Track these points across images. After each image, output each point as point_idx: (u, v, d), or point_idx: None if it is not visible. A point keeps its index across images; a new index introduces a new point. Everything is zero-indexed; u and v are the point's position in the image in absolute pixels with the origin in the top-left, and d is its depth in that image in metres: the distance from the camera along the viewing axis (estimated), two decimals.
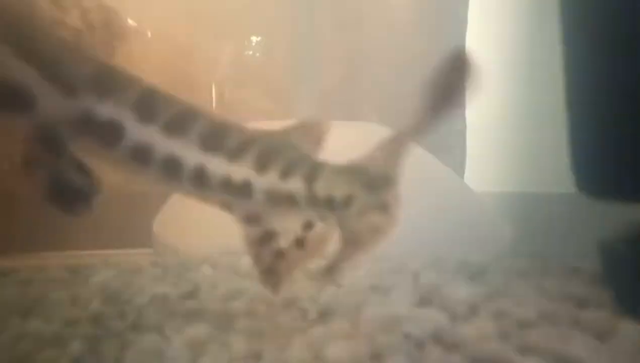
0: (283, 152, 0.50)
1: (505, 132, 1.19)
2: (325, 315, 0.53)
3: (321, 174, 0.50)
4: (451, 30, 1.08)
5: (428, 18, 1.07)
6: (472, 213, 0.72)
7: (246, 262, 0.66)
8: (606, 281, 0.59)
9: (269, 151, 0.50)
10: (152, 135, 0.46)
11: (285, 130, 0.51)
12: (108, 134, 0.46)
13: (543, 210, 1.01)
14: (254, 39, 1.03)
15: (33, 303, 0.57)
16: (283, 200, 0.49)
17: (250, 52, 1.03)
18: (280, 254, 0.50)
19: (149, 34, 1.02)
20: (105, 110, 0.45)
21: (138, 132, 0.46)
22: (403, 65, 1.06)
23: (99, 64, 0.46)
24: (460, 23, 1.09)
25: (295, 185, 0.49)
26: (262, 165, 0.49)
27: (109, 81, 0.46)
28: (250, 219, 0.51)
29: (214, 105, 1.04)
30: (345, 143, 0.75)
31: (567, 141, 0.63)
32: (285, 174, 0.49)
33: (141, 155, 0.47)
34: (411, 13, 1.07)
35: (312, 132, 0.52)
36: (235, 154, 0.48)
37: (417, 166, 0.75)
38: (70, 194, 0.45)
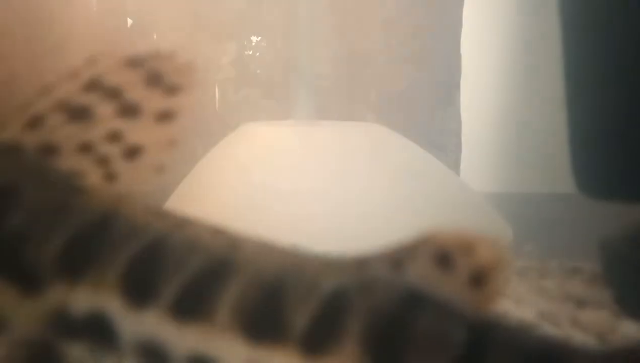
0: (422, 329, 0.26)
1: (506, 132, 1.20)
2: None
3: None
4: (448, 29, 1.09)
5: (425, 18, 1.08)
6: (472, 214, 0.73)
7: None
8: (606, 281, 0.59)
9: (389, 333, 0.27)
10: (155, 325, 0.27)
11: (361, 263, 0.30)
12: (93, 335, 0.28)
13: (543, 211, 1.01)
14: (254, 38, 1.03)
15: None
16: None
17: (250, 52, 1.04)
18: None
19: (155, 36, 1.02)
20: (83, 300, 0.28)
21: (131, 323, 0.28)
22: (402, 65, 1.07)
23: (76, 225, 0.30)
24: (456, 22, 1.09)
25: None
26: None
27: (86, 251, 0.29)
28: None
29: (217, 105, 1.04)
30: (346, 144, 0.75)
31: (567, 141, 0.63)
32: None
33: (152, 358, 0.28)
34: (409, 13, 1.07)
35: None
36: (316, 344, 0.26)
37: (416, 166, 0.75)
38: None
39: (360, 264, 0.28)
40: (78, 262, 0.29)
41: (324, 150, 0.73)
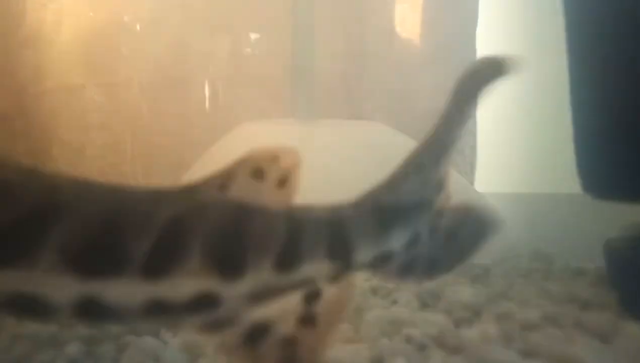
0: (250, 231, 0.34)
1: (513, 134, 1.20)
2: None
3: (354, 237, 0.36)
4: (459, 29, 1.08)
5: (434, 15, 1.07)
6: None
7: None
8: (610, 283, 0.59)
9: (226, 240, 0.33)
10: None
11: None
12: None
13: (548, 211, 1.01)
14: (253, 35, 1.03)
15: None
16: (286, 291, 0.36)
17: (249, 49, 1.03)
18: (289, 343, 0.36)
19: (138, 27, 1.01)
20: None
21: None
22: (406, 62, 1.06)
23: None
24: (470, 22, 1.08)
25: (313, 269, 0.36)
26: (228, 269, 0.33)
27: None
28: (216, 325, 0.35)
29: (207, 104, 1.03)
30: (348, 142, 0.75)
31: (573, 142, 0.63)
32: (288, 263, 0.35)
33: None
34: (415, 9, 1.07)
35: None
36: (159, 268, 0.31)
37: None
38: None
39: (190, 192, 0.33)
40: None
41: (324, 148, 0.73)
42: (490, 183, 1.06)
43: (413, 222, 0.39)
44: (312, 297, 0.36)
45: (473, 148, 1.08)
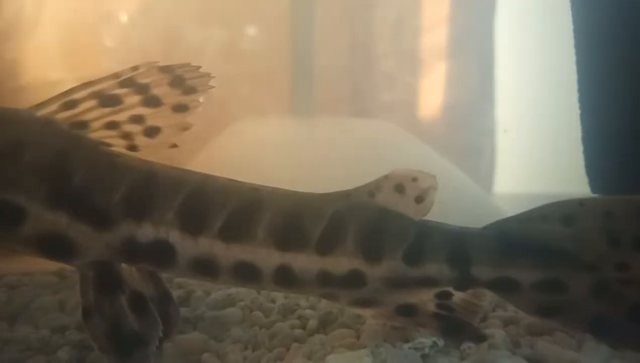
0: (388, 230, 0.47)
1: (523, 135, 1.19)
2: (326, 324, 0.53)
3: (472, 252, 0.47)
4: (475, 25, 1.06)
5: (449, 5, 1.05)
6: (484, 216, 0.73)
7: None
8: None
9: (370, 233, 0.46)
10: (208, 246, 0.44)
11: (369, 190, 0.48)
12: (158, 256, 0.44)
13: None
14: (249, 28, 1.02)
15: (20, 308, 0.57)
16: (414, 285, 0.47)
17: (245, 43, 1.02)
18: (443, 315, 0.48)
19: (125, 17, 1.00)
20: (147, 232, 0.44)
21: (189, 246, 0.44)
22: (415, 57, 1.05)
23: (134, 179, 0.44)
24: (486, 20, 1.07)
25: (434, 269, 0.47)
26: (371, 254, 0.46)
27: (145, 198, 0.44)
28: (365, 303, 0.48)
29: (205, 100, 1.02)
30: (355, 142, 0.75)
31: (581, 143, 0.64)
32: (413, 259, 0.46)
33: (204, 269, 0.45)
34: (424, 3, 1.05)
35: (408, 186, 0.48)
36: (326, 247, 0.46)
37: (430, 170, 0.75)
38: (128, 342, 0.42)
39: (347, 195, 0.47)
40: (140, 205, 0.43)
41: (320, 145, 0.73)
42: (510, 184, 1.05)
43: (546, 265, 0.46)
44: (442, 295, 0.48)
45: (493, 149, 1.07)
